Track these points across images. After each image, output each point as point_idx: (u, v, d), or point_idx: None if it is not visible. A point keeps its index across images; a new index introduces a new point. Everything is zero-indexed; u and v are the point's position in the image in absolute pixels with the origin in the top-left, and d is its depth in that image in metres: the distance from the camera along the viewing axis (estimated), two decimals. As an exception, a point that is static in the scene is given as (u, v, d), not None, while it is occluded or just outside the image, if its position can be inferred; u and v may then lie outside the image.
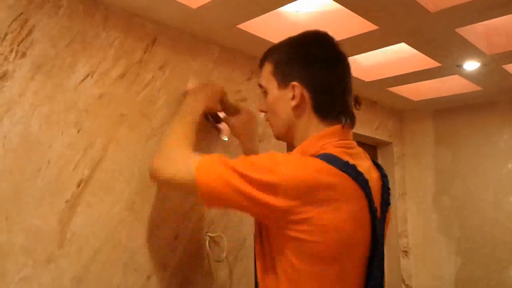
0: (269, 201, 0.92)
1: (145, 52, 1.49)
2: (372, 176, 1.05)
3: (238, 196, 0.95)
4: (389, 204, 1.10)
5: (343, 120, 1.07)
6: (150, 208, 1.45)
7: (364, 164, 1.03)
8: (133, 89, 1.44)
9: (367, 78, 2.24)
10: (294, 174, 0.93)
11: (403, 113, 3.00)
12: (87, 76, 1.32)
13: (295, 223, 0.92)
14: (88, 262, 1.27)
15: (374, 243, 1.00)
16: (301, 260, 0.94)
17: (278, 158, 0.97)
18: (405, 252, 2.84)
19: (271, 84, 1.11)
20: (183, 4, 1.40)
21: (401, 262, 2.80)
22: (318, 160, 0.95)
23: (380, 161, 2.94)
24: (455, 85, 2.47)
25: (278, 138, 1.17)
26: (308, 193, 0.91)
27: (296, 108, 1.07)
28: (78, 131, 1.28)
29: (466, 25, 1.66)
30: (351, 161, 0.98)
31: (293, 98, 1.06)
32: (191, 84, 1.57)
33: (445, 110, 2.83)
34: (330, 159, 0.96)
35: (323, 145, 1.03)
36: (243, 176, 0.95)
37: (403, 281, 2.79)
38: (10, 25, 1.17)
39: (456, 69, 2.10)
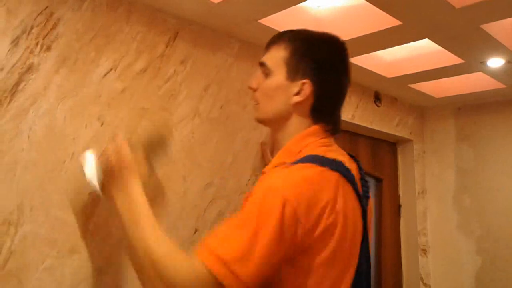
0: (294, 233, 0.86)
1: (166, 47, 1.50)
2: (352, 169, 1.03)
3: (272, 253, 0.84)
4: (368, 197, 1.08)
5: (330, 125, 1.07)
6: (171, 201, 1.46)
7: (345, 159, 1.03)
8: (154, 83, 1.45)
9: (388, 74, 2.22)
10: (302, 197, 0.87)
11: (424, 110, 2.96)
12: (110, 70, 1.33)
13: (319, 233, 0.89)
14: (110, 254, 1.29)
15: (364, 237, 1.00)
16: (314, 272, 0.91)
17: (278, 191, 0.88)
18: (424, 251, 2.81)
19: (279, 70, 1.05)
20: (205, -1, 1.41)
21: (420, 260, 2.77)
22: (308, 166, 0.93)
23: (400, 159, 2.92)
24: (478, 82, 2.43)
25: (260, 121, 1.12)
26: (315, 210, 0.88)
27: (296, 105, 1.03)
28: (102, 124, 1.30)
29: (491, 21, 1.62)
30: (338, 158, 0.98)
31: (297, 94, 1.03)
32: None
33: (468, 107, 2.79)
34: (319, 160, 0.95)
35: (306, 144, 1.01)
36: (259, 225, 0.84)
37: (422, 279, 2.76)
38: (36, 18, 1.19)
39: (480, 66, 2.06)
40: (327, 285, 0.92)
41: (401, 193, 2.89)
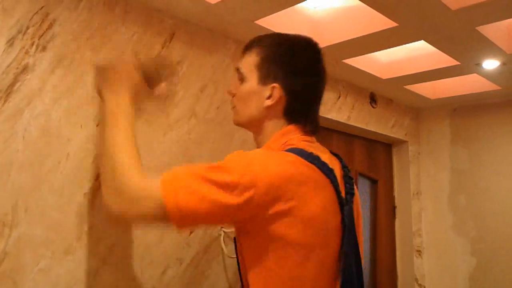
0: (247, 199, 0.90)
1: (163, 47, 1.49)
2: (334, 166, 1.06)
3: (214, 206, 0.90)
4: (353, 194, 1.10)
5: (307, 126, 1.10)
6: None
7: (324, 156, 1.05)
8: (151, 84, 1.44)
9: (384, 76, 2.22)
10: (268, 170, 0.93)
11: (420, 111, 2.97)
12: (106, 70, 1.32)
13: (274, 218, 0.92)
14: (105, 255, 1.28)
15: (343, 231, 1.01)
16: (283, 251, 0.94)
17: (248, 156, 0.95)
18: (419, 252, 2.82)
19: (252, 75, 1.08)
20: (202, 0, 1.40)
21: (415, 261, 2.78)
22: (288, 153, 0.98)
23: (395, 160, 2.93)
24: (474, 84, 2.44)
25: (237, 124, 1.16)
26: (283, 186, 0.92)
27: (269, 108, 1.07)
28: (97, 125, 1.29)
29: (487, 23, 1.63)
30: (315, 153, 1.01)
31: (269, 98, 1.06)
32: (96, 69, 1.20)
33: (463, 108, 2.80)
34: (296, 152, 0.99)
35: (286, 141, 1.05)
36: (214, 183, 0.90)
37: (416, 280, 2.77)
38: (31, 18, 1.18)
39: (475, 67, 2.07)
40: (292, 266, 0.95)
41: (396, 194, 2.90)
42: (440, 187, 2.84)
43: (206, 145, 1.61)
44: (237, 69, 1.12)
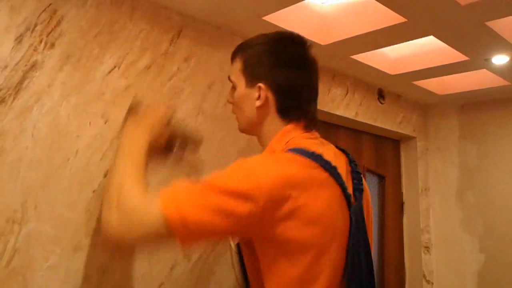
0: (252, 207, 0.88)
1: (170, 44, 1.49)
2: (340, 162, 1.06)
3: (219, 216, 0.88)
4: (362, 190, 1.09)
5: (305, 122, 1.09)
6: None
7: (329, 152, 1.05)
8: (158, 81, 1.45)
9: (392, 72, 2.21)
10: (269, 174, 0.91)
11: (428, 107, 2.95)
12: (114, 67, 1.33)
13: (282, 220, 0.91)
14: (114, 252, 1.29)
15: (351, 229, 1.00)
16: (293, 259, 0.94)
17: (248, 164, 0.94)
18: (427, 248, 2.81)
19: (240, 81, 1.10)
20: (210, -4, 1.40)
21: (423, 258, 2.77)
22: (289, 154, 0.98)
23: (403, 156, 2.91)
24: (482, 79, 2.42)
25: (242, 131, 1.17)
26: (287, 188, 0.91)
27: (260, 108, 1.07)
28: (106, 122, 1.30)
29: (496, 18, 1.61)
30: (318, 151, 1.00)
31: (258, 98, 1.07)
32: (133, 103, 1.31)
33: (471, 104, 2.78)
34: (298, 151, 0.98)
35: (288, 140, 1.04)
36: (217, 193, 0.89)
37: (424, 277, 2.76)
38: (39, 16, 1.19)
39: (484, 63, 2.05)
40: (302, 270, 0.94)
41: (404, 190, 2.89)
42: (448, 183, 2.82)
43: (214, 142, 1.61)
44: (229, 78, 1.14)
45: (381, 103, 2.54)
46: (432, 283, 2.80)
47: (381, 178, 2.77)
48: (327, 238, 0.96)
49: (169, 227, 0.86)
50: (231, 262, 1.60)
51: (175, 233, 0.87)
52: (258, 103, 1.07)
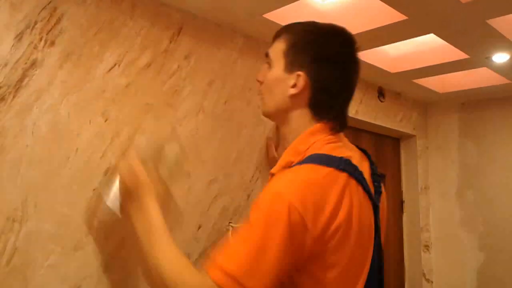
0: (304, 240, 0.84)
1: (170, 42, 1.49)
2: (364, 166, 1.03)
3: (274, 251, 0.83)
4: (380, 192, 1.06)
5: (336, 121, 1.05)
6: (175, 197, 1.45)
7: (355, 155, 1.02)
8: (158, 79, 1.44)
9: (392, 70, 2.21)
10: (308, 201, 0.86)
11: (428, 105, 2.95)
12: (114, 65, 1.32)
13: (329, 237, 0.88)
14: (114, 250, 1.28)
15: (376, 233, 0.99)
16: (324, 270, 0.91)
17: (284, 198, 0.86)
18: (427, 247, 2.81)
19: (278, 62, 1.05)
20: (210, -7, 1.39)
21: (422, 256, 2.77)
22: (314, 169, 0.92)
23: (403, 154, 2.91)
24: (483, 78, 2.42)
25: (265, 115, 1.11)
26: (323, 206, 0.87)
27: (293, 97, 1.02)
28: (106, 120, 1.29)
29: (498, 16, 1.61)
30: (345, 156, 0.96)
31: (293, 86, 1.02)
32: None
33: (471, 102, 2.78)
34: (325, 160, 0.94)
35: (314, 142, 1.00)
36: (258, 232, 0.84)
37: (424, 275, 2.76)
38: (39, 13, 1.18)
39: (484, 61, 2.05)
40: None
41: (404, 188, 2.89)
42: (448, 182, 2.82)
43: (214, 141, 1.61)
44: (266, 54, 1.08)
45: (381, 101, 2.53)
46: (432, 282, 2.80)
47: (381, 176, 2.76)
48: (360, 247, 0.94)
49: None
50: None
51: None
52: (292, 91, 1.01)
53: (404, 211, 2.86)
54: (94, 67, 1.28)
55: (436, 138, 2.91)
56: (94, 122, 1.27)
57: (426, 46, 2.08)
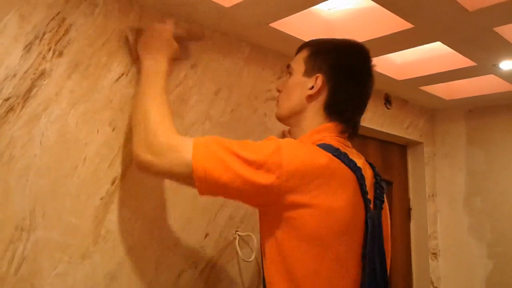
0: (269, 181, 0.93)
1: (178, 51, 1.49)
2: (367, 172, 1.08)
3: (236, 178, 0.94)
4: (383, 201, 1.12)
5: (347, 127, 1.13)
6: (181, 206, 1.46)
7: (359, 161, 1.07)
8: (166, 88, 1.45)
9: (399, 77, 2.20)
10: (296, 157, 0.95)
11: (435, 112, 2.94)
12: (122, 75, 1.33)
13: (292, 206, 0.94)
14: (121, 259, 1.29)
15: (366, 233, 1.01)
16: (299, 242, 0.96)
17: (279, 141, 0.99)
18: (434, 254, 2.79)
19: (299, 68, 1.15)
20: (217, 3, 1.40)
21: (430, 264, 2.75)
22: (316, 147, 1.02)
23: (410, 161, 2.90)
24: (490, 85, 2.41)
25: (279, 118, 1.21)
26: (308, 176, 0.94)
27: (309, 98, 1.10)
28: (113, 129, 1.30)
29: (505, 24, 1.60)
30: (342, 149, 1.04)
31: (311, 88, 1.10)
32: (131, 37, 1.34)
33: (479, 110, 2.77)
34: (325, 147, 1.01)
35: (321, 137, 1.07)
36: (241, 158, 0.95)
37: (432, 283, 2.74)
38: (48, 24, 1.19)
39: (492, 68, 2.05)
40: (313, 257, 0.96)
41: (411, 196, 2.87)
42: (456, 189, 2.81)
43: (221, 149, 1.61)
44: (288, 66, 1.19)
45: (388, 108, 2.53)
46: (440, 290, 2.78)
47: (388, 183, 2.76)
48: (337, 234, 0.97)
49: (194, 175, 0.95)
50: (237, 269, 1.60)
51: (196, 180, 0.96)
52: (310, 92, 1.10)
53: (411, 218, 2.85)
54: (102, 77, 1.29)
55: (444, 145, 2.90)
56: (102, 131, 1.28)
57: (433, 54, 2.08)
